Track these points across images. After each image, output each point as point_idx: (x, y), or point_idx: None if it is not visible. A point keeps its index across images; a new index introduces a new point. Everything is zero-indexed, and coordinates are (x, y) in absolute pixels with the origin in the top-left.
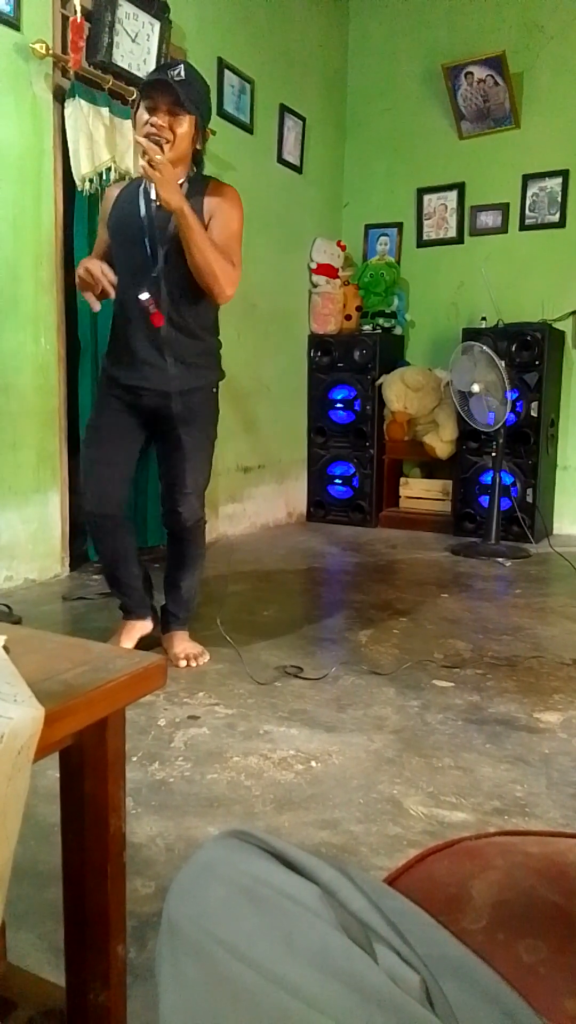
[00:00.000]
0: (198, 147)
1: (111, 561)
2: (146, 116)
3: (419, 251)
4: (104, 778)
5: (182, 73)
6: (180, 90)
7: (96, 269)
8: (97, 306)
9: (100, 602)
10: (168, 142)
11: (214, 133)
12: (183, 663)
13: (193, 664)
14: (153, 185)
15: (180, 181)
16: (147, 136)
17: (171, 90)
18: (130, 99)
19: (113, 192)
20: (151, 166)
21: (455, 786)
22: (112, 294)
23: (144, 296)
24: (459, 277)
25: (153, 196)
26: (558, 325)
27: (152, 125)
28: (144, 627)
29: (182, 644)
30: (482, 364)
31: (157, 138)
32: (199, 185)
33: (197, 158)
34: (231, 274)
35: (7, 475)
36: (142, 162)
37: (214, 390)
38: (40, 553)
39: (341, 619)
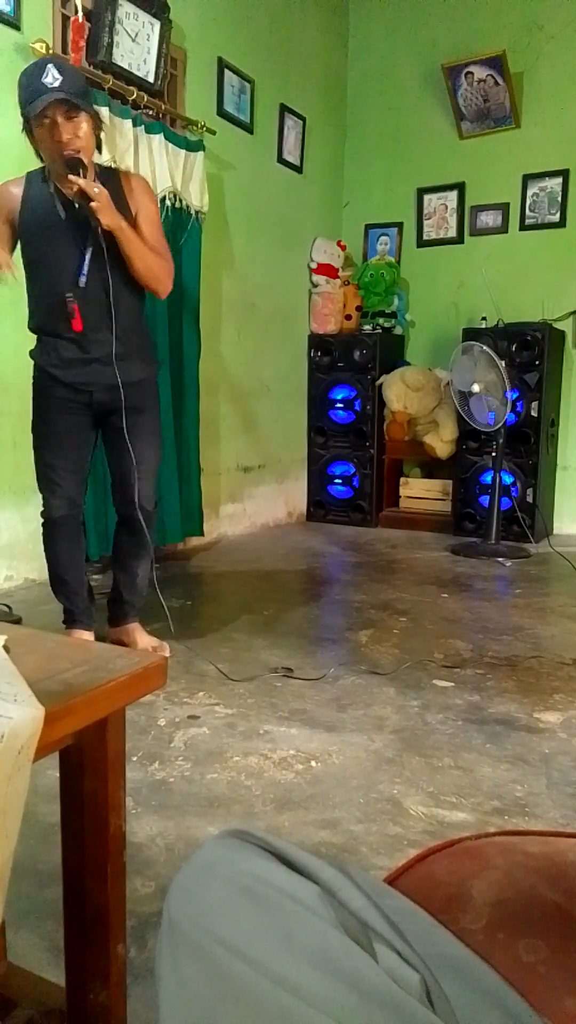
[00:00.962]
0: (98, 134)
1: (66, 566)
2: (48, 137)
3: (419, 251)
4: (104, 778)
5: (55, 74)
6: (67, 95)
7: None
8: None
9: (100, 602)
10: (80, 151)
11: (213, 133)
12: None
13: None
14: (93, 213)
15: (92, 177)
16: (67, 162)
17: (60, 99)
18: (23, 108)
19: (13, 189)
20: (88, 197)
21: (455, 786)
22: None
23: (69, 297)
24: (459, 277)
25: (76, 203)
26: (558, 325)
27: (67, 152)
28: (89, 637)
29: (143, 637)
30: (482, 364)
31: (76, 157)
32: (112, 179)
33: (98, 145)
34: (169, 269)
35: (7, 475)
36: (71, 187)
37: (155, 381)
38: (40, 553)
39: (341, 619)
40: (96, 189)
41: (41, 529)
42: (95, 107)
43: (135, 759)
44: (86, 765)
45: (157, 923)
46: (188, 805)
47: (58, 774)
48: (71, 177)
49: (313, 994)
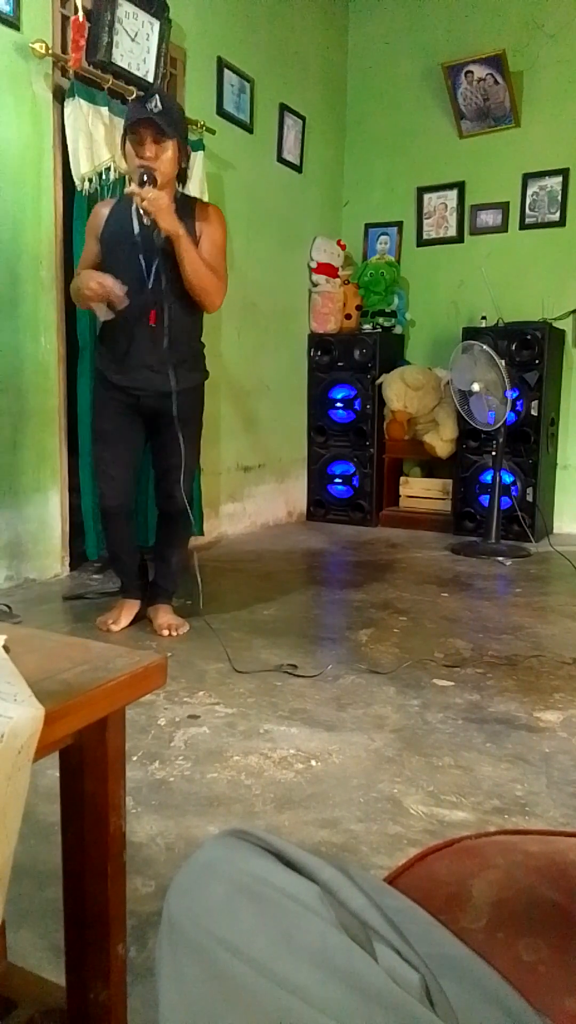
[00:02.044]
0: (183, 165)
1: (119, 547)
2: (134, 153)
3: (419, 250)
4: (104, 777)
5: (159, 103)
6: (160, 120)
7: (108, 282)
8: (107, 315)
9: (100, 601)
10: (157, 171)
11: (212, 133)
12: (165, 632)
13: (175, 634)
14: (151, 215)
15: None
16: (140, 174)
17: (152, 123)
18: (123, 125)
19: (102, 210)
20: (144, 202)
21: (455, 785)
22: (125, 303)
23: (141, 305)
24: (459, 276)
25: (145, 219)
26: (558, 324)
27: (141, 165)
28: (136, 606)
29: (166, 616)
30: (482, 363)
31: (148, 170)
32: (187, 207)
33: (181, 175)
34: (220, 287)
35: (7, 474)
36: (135, 198)
37: (202, 389)
38: (40, 552)
39: (341, 618)
40: (151, 194)
41: (100, 515)
42: (188, 145)
43: (135, 759)
44: (86, 765)
45: (157, 922)
46: (188, 804)
47: (58, 774)
48: (133, 187)
49: (313, 994)
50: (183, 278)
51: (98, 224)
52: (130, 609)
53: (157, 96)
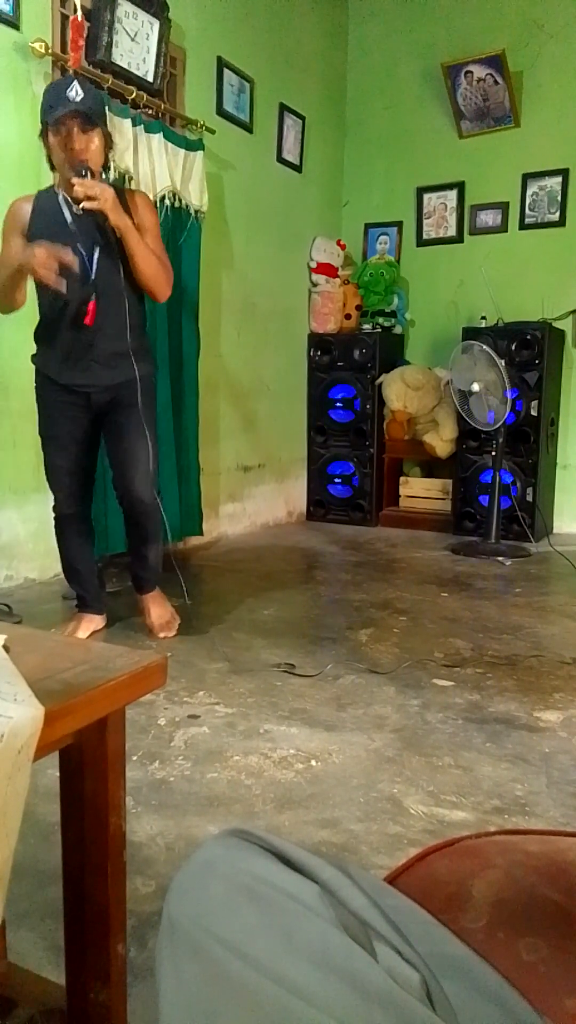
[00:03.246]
0: (107, 151)
1: (76, 557)
2: (59, 144)
3: (419, 250)
4: (104, 777)
5: (79, 90)
6: (85, 110)
7: (51, 247)
8: (61, 284)
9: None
10: (87, 161)
11: (212, 132)
12: (162, 634)
13: (170, 634)
14: (96, 210)
15: None
16: (75, 167)
17: (78, 113)
18: (43, 115)
19: (24, 205)
20: (90, 198)
21: (455, 785)
22: (76, 267)
23: (80, 295)
24: (459, 276)
25: (76, 209)
26: (558, 324)
27: (74, 160)
28: (98, 621)
29: (156, 610)
30: (482, 363)
31: (84, 162)
32: (120, 198)
33: (106, 163)
34: (169, 277)
35: (7, 474)
36: (78, 192)
37: (152, 380)
38: (40, 552)
39: (341, 618)
40: (97, 189)
41: (52, 524)
42: (108, 128)
43: (135, 758)
44: (86, 765)
45: (157, 922)
46: (188, 804)
47: (58, 773)
48: (74, 179)
49: (313, 993)
50: (135, 271)
51: (23, 219)
52: (89, 623)
53: (76, 83)
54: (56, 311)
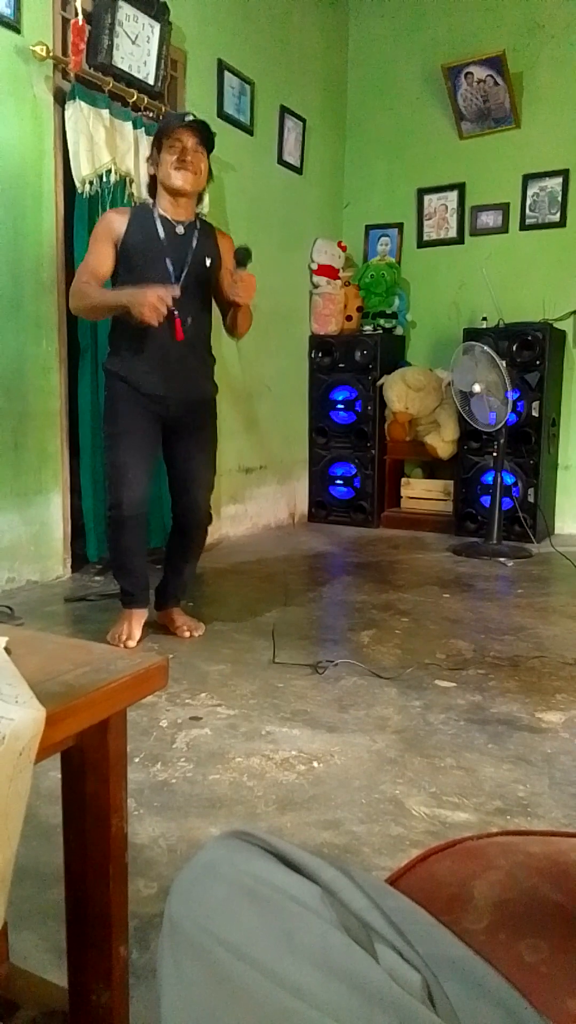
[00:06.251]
0: (207, 184)
1: (131, 555)
2: (170, 156)
3: (420, 251)
4: (106, 779)
5: (198, 117)
6: (201, 127)
7: (163, 291)
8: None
9: (102, 603)
10: (196, 174)
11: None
12: (187, 634)
13: (196, 634)
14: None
15: (191, 219)
16: (238, 255)
17: (197, 131)
18: (160, 132)
19: (119, 217)
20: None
21: (457, 786)
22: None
23: (171, 311)
24: (460, 277)
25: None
26: (559, 325)
27: (182, 161)
28: (145, 615)
29: (182, 618)
30: (483, 364)
31: (186, 171)
32: (209, 228)
33: (201, 197)
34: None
35: (9, 476)
36: (239, 294)
37: (216, 401)
38: (42, 554)
39: (343, 619)
40: (247, 278)
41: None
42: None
43: (137, 760)
44: (88, 766)
45: (159, 924)
46: (190, 806)
47: (60, 775)
48: (241, 271)
49: (314, 995)
50: (234, 330)
51: (118, 231)
52: (139, 619)
53: (194, 113)
54: (140, 324)
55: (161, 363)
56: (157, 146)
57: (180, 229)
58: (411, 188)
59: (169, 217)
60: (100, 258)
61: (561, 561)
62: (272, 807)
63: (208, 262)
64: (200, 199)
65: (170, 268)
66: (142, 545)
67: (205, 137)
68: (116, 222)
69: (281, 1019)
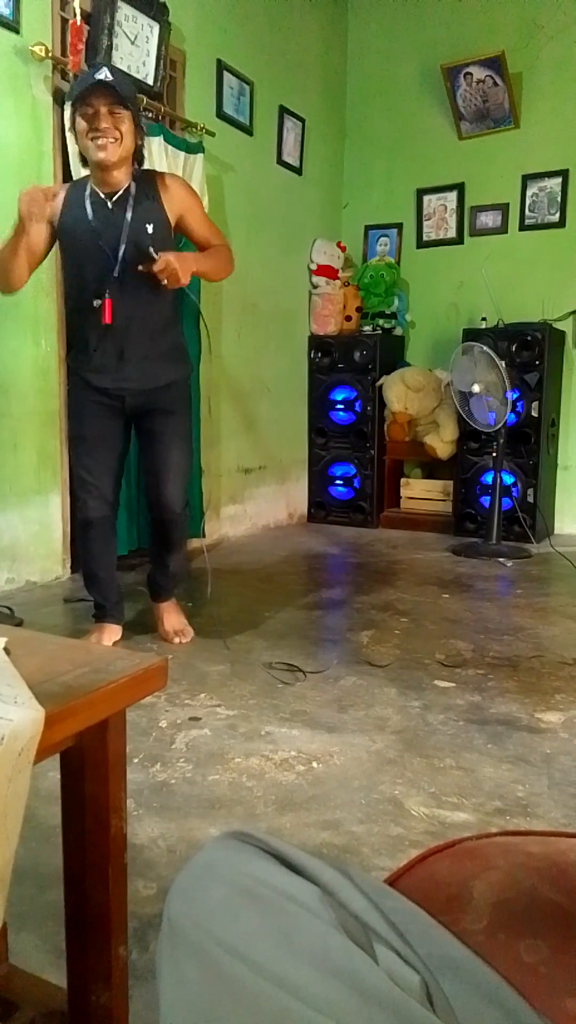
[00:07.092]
0: (139, 143)
1: (100, 564)
2: (85, 124)
3: (419, 252)
4: (105, 780)
5: (108, 73)
6: (117, 89)
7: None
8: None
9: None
10: (116, 140)
11: (212, 135)
12: (176, 640)
13: (184, 640)
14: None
15: (126, 185)
16: (145, 248)
17: (108, 91)
18: (70, 99)
19: (58, 192)
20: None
21: (456, 786)
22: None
23: (97, 302)
24: (459, 277)
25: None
26: (558, 325)
27: (95, 130)
28: (117, 632)
29: (171, 619)
30: (482, 364)
31: (103, 139)
32: (148, 185)
33: (138, 154)
34: (231, 257)
35: (8, 476)
36: (169, 284)
37: (188, 382)
38: (41, 555)
39: (343, 620)
40: (160, 264)
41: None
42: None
43: (136, 761)
44: (87, 767)
45: (158, 924)
46: (189, 807)
47: (59, 776)
48: (141, 268)
49: (313, 995)
50: (212, 280)
51: (54, 208)
52: (111, 634)
53: (106, 67)
54: (81, 312)
55: (106, 354)
56: (72, 115)
57: (110, 204)
58: (410, 188)
59: (100, 191)
60: (33, 236)
61: (560, 561)
62: (271, 807)
63: (150, 228)
64: (138, 158)
65: (106, 250)
66: (110, 553)
67: (121, 93)
68: (53, 199)
69: (280, 1019)
